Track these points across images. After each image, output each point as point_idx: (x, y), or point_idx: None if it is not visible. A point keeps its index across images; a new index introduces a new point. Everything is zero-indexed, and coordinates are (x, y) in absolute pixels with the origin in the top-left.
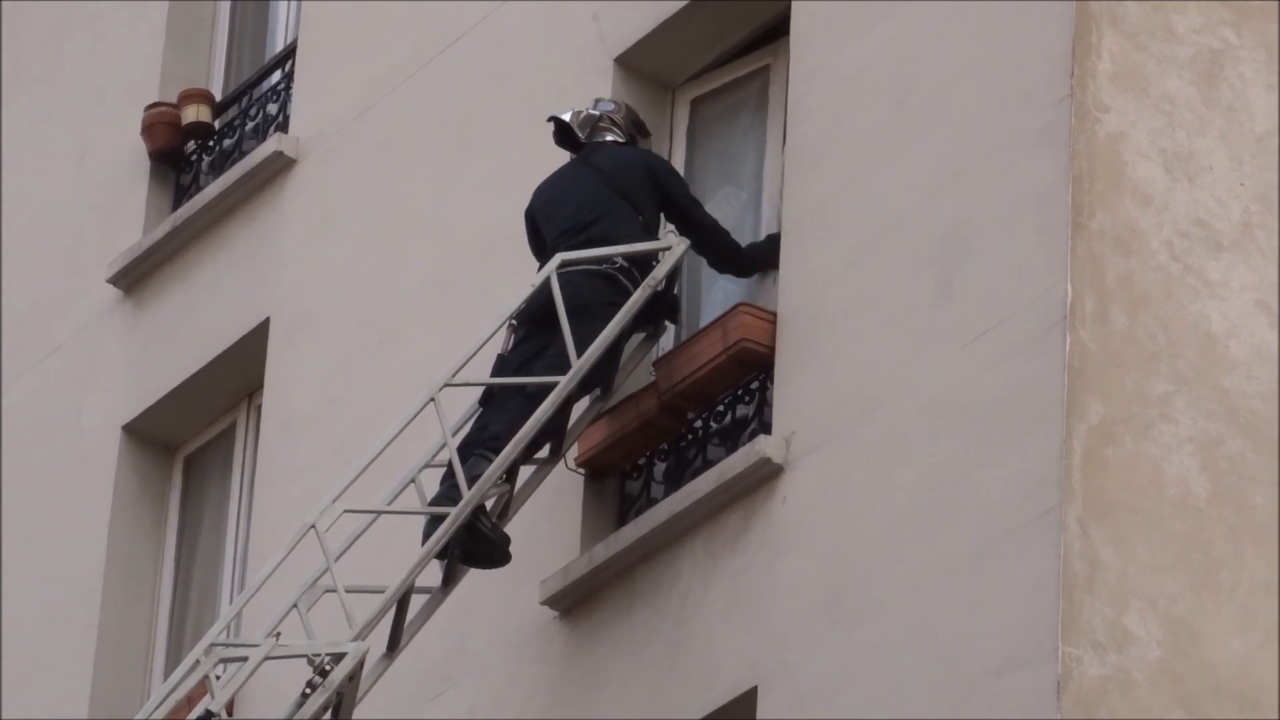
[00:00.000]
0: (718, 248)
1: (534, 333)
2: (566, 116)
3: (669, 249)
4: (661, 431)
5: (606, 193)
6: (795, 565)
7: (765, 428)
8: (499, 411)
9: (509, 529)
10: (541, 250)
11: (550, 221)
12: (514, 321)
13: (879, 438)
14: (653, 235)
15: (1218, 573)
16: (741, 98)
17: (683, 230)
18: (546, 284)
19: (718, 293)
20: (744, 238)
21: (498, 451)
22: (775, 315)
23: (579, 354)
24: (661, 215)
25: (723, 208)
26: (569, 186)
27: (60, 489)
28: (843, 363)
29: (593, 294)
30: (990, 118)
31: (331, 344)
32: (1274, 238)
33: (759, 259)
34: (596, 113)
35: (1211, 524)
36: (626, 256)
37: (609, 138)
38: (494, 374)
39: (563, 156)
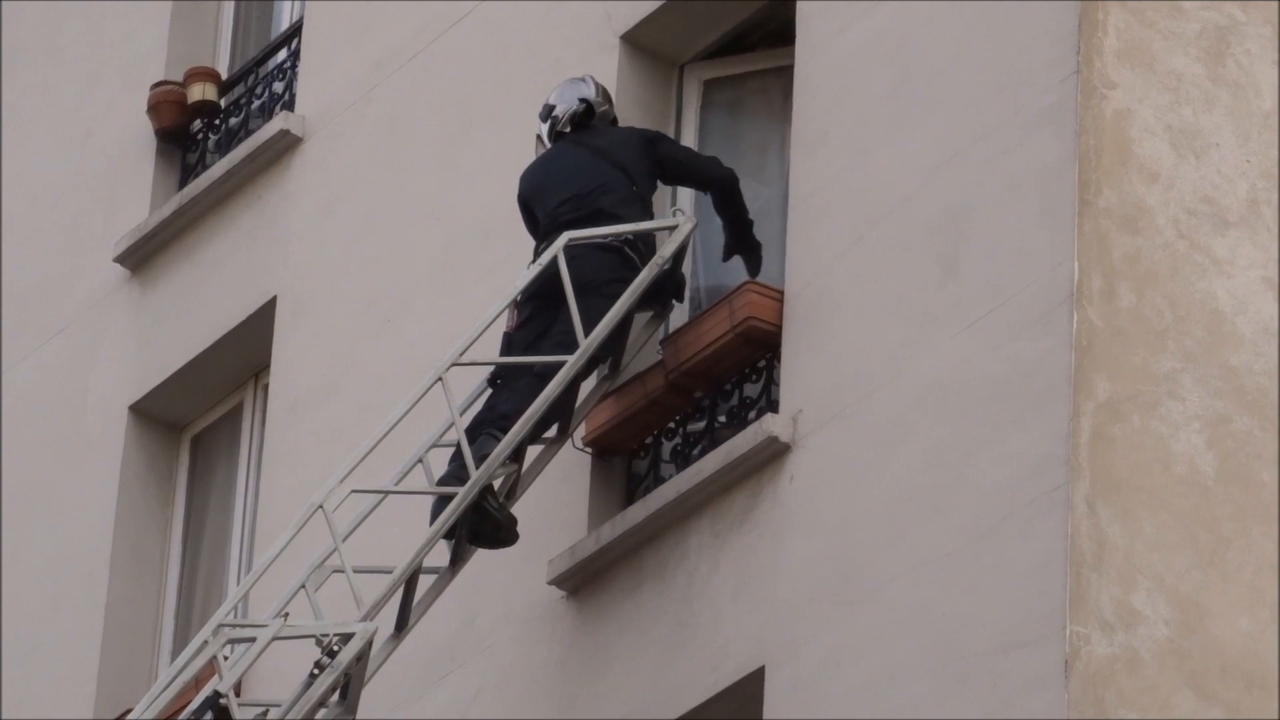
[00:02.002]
0: (737, 207)
1: (540, 310)
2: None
3: (676, 227)
4: (669, 410)
5: (603, 165)
6: (803, 544)
7: (772, 406)
8: (507, 391)
9: (516, 509)
10: (538, 230)
11: (546, 198)
12: (519, 299)
13: (886, 416)
14: (648, 207)
15: (1225, 551)
16: (762, 80)
17: (699, 185)
18: (553, 261)
19: (725, 271)
20: (765, 233)
21: (506, 431)
22: (782, 294)
23: (586, 331)
24: (671, 193)
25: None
26: (562, 165)
27: (67, 469)
28: (850, 341)
29: (599, 269)
30: (996, 95)
31: (338, 323)
32: None
33: (751, 244)
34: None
35: (1219, 502)
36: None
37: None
38: (502, 354)
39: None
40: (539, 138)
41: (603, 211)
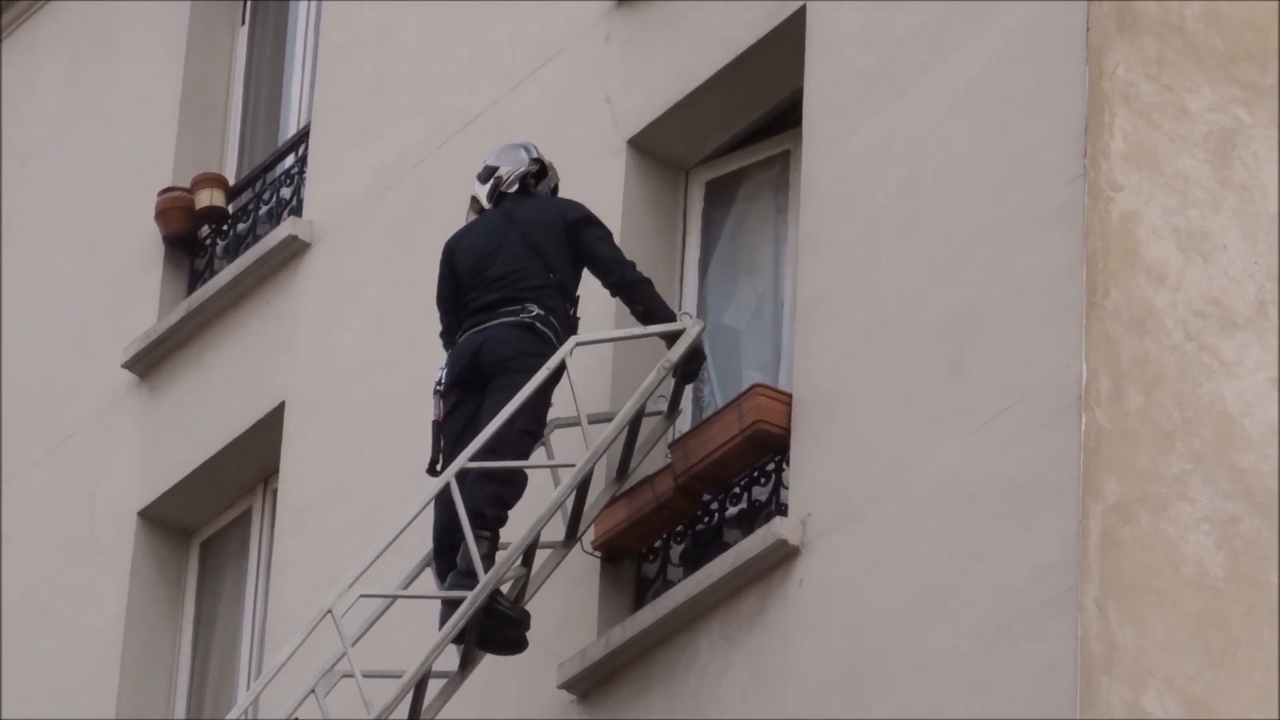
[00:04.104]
0: (644, 301)
1: (465, 397)
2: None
3: (684, 331)
4: (678, 514)
5: (522, 248)
6: (812, 647)
7: (781, 509)
8: (468, 485)
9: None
10: (457, 291)
11: (466, 268)
12: (439, 387)
13: (895, 519)
14: (566, 292)
15: (1235, 651)
16: (761, 182)
17: (603, 283)
18: (476, 350)
19: (733, 374)
20: (763, 325)
21: (488, 528)
22: (791, 396)
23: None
24: (678, 297)
25: (743, 293)
26: (488, 241)
27: (76, 575)
28: (858, 444)
29: (508, 345)
30: (1003, 197)
31: (347, 427)
32: None
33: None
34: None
35: (1228, 603)
36: (543, 307)
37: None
38: (434, 443)
39: None
40: (474, 199)
41: (511, 299)
